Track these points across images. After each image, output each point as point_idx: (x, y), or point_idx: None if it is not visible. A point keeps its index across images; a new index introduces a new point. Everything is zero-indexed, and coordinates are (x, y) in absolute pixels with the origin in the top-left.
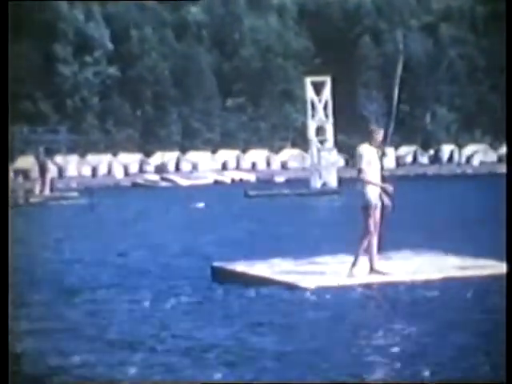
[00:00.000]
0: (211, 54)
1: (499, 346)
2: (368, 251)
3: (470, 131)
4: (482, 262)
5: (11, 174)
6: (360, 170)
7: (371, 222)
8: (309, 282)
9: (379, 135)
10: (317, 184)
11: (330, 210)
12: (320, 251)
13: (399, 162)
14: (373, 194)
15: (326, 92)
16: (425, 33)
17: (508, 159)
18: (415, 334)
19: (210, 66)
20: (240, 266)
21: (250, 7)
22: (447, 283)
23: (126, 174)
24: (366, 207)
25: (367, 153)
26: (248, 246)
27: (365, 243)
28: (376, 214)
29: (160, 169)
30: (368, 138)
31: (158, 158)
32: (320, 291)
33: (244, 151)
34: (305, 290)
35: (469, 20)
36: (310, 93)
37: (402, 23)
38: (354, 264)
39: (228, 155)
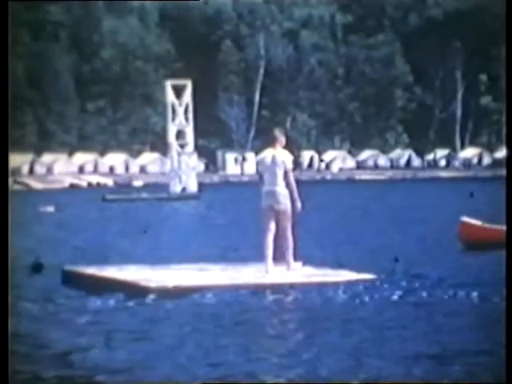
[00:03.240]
0: (69, 55)
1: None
2: (284, 253)
3: (329, 138)
4: (332, 271)
5: None
6: (288, 173)
7: (288, 224)
8: (151, 282)
9: (284, 138)
10: (176, 188)
11: (190, 215)
12: (178, 258)
13: None
14: (288, 196)
15: (187, 96)
16: (286, 39)
17: (508, 161)
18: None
19: (67, 68)
20: (90, 270)
21: (110, 9)
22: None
23: None
24: (284, 210)
25: (289, 157)
26: (102, 251)
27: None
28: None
29: (13, 171)
30: (275, 142)
31: (10, 160)
32: (163, 293)
33: (102, 154)
34: (146, 290)
35: (329, 28)
36: (170, 96)
37: (264, 29)
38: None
39: (85, 158)
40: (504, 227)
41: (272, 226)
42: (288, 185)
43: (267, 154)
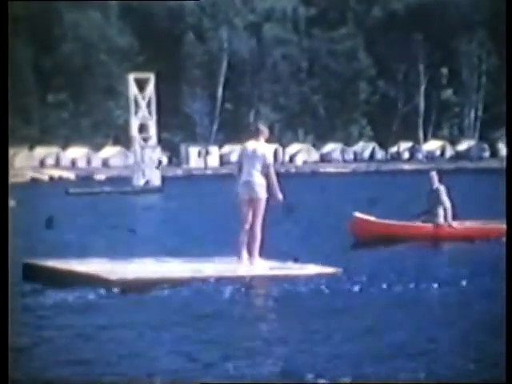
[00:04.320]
0: (30, 48)
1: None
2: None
3: (293, 131)
4: (296, 265)
5: None
6: (269, 166)
7: (260, 216)
8: (112, 274)
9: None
10: (140, 182)
11: (153, 209)
12: (141, 251)
13: (223, 160)
14: (265, 187)
15: (150, 89)
16: (249, 32)
17: (508, 159)
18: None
19: (28, 61)
20: (51, 263)
21: (71, 2)
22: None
23: None
24: (259, 199)
25: (270, 149)
26: (65, 246)
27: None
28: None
29: None
30: (259, 135)
31: None
32: (124, 285)
33: (63, 148)
34: (107, 283)
35: (292, 21)
36: (133, 90)
37: (227, 22)
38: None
39: (46, 152)
40: (397, 222)
41: (248, 216)
42: (268, 178)
43: (249, 145)
